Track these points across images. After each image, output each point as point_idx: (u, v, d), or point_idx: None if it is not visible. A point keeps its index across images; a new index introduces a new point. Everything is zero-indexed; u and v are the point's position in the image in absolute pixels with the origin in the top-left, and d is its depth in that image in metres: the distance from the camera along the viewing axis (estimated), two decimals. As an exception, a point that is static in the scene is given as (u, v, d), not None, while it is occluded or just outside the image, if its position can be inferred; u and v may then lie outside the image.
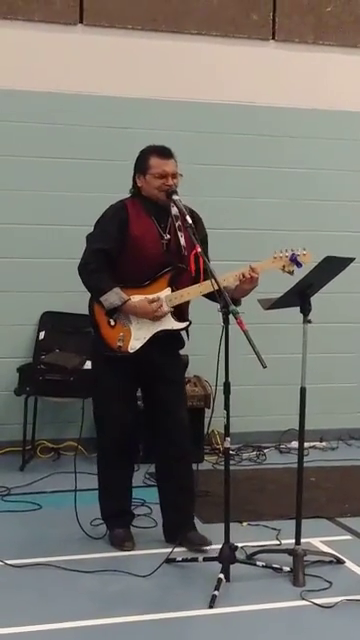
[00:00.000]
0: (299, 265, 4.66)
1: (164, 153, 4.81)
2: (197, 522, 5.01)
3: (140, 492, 5.52)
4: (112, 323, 4.73)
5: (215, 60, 7.20)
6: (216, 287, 4.38)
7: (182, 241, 4.81)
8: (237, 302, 4.66)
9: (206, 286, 4.58)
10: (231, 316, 4.30)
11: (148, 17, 7.04)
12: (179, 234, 4.82)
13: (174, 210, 4.83)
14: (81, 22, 6.95)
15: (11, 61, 6.79)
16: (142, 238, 4.75)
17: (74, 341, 6.66)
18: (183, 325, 4.81)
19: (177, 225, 4.83)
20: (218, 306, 4.34)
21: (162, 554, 4.62)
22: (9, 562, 4.62)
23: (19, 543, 4.97)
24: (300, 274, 4.50)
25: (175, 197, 4.70)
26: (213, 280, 4.39)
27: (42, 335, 6.88)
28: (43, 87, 6.83)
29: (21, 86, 6.79)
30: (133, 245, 4.73)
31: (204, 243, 4.77)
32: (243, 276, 4.64)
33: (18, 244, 6.88)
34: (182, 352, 5.06)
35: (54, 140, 6.93)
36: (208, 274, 4.46)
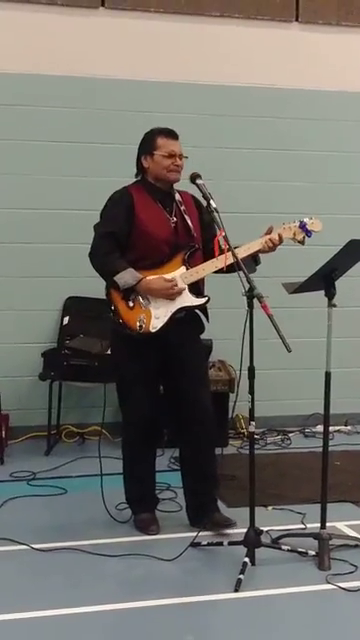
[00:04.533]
0: (309, 233, 4.69)
1: (171, 133, 4.83)
2: (222, 506, 5.01)
3: (165, 476, 5.53)
4: (131, 304, 4.72)
5: (238, 42, 7.15)
6: (232, 261, 4.41)
7: (189, 222, 4.82)
8: (257, 260, 4.73)
9: (221, 260, 4.60)
10: (255, 300, 4.29)
11: (170, 0, 6.99)
12: (185, 216, 4.83)
13: (177, 196, 4.87)
14: (103, 5, 6.92)
15: (33, 45, 6.78)
16: (150, 221, 4.75)
17: (98, 326, 6.64)
18: (202, 300, 4.80)
19: (182, 209, 4.84)
20: (242, 290, 4.34)
21: (187, 538, 4.64)
22: (35, 546, 4.65)
23: (45, 527, 4.99)
24: (321, 259, 4.47)
25: (199, 181, 4.67)
26: (233, 256, 4.40)
27: (66, 320, 6.89)
28: (65, 71, 6.82)
29: (43, 70, 6.78)
30: (142, 229, 4.73)
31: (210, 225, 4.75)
32: (267, 244, 4.69)
33: (42, 230, 6.88)
34: (206, 336, 5.06)
35: (80, 124, 6.92)
36: (231, 251, 4.46)
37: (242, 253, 4.55)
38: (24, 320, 6.91)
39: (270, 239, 4.70)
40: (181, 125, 4.93)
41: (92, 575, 4.37)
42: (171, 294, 4.70)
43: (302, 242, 4.72)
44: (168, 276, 4.72)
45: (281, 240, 4.72)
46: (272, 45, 7.22)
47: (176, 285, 4.70)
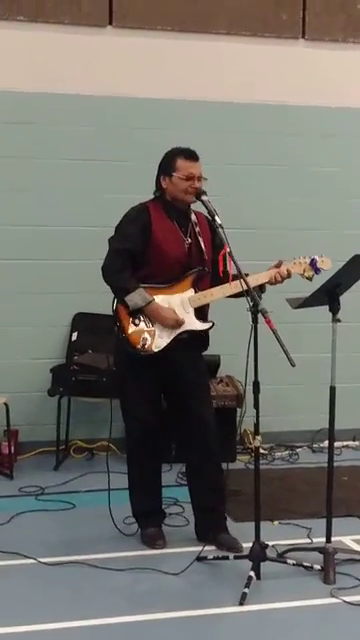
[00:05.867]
0: (318, 271, 4.72)
1: (191, 155, 4.82)
2: (229, 520, 5.03)
3: (172, 491, 5.57)
4: (136, 322, 4.76)
5: (245, 60, 7.19)
6: (245, 287, 4.41)
7: (202, 245, 4.85)
8: (263, 288, 4.72)
9: (230, 288, 4.63)
10: (260, 315, 4.32)
11: (177, 18, 7.06)
12: (199, 238, 4.86)
13: (193, 216, 4.90)
14: (110, 24, 6.99)
15: (41, 64, 6.84)
16: (166, 241, 4.78)
17: (106, 342, 6.62)
18: (207, 326, 4.84)
19: (197, 230, 4.87)
20: (247, 305, 4.37)
21: (193, 552, 4.66)
22: (43, 560, 4.68)
23: (53, 542, 5.02)
24: (329, 273, 4.50)
25: (204, 198, 4.71)
26: (243, 282, 4.42)
27: (75, 336, 6.93)
28: (72, 90, 6.87)
29: (50, 89, 6.84)
30: (157, 247, 4.76)
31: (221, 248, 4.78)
32: (275, 278, 4.72)
33: (50, 247, 6.93)
34: (213, 352, 5.08)
35: (88, 142, 6.97)
36: (237, 275, 4.48)
37: (251, 283, 4.54)
38: (33, 336, 6.95)
39: (279, 273, 4.73)
40: (186, 142, 4.95)
41: (99, 589, 4.39)
42: (175, 327, 4.74)
43: (310, 279, 4.75)
44: (177, 300, 4.75)
45: (289, 275, 4.74)
46: (278, 62, 7.26)
47: (182, 323, 4.74)
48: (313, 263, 4.73)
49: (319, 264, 4.73)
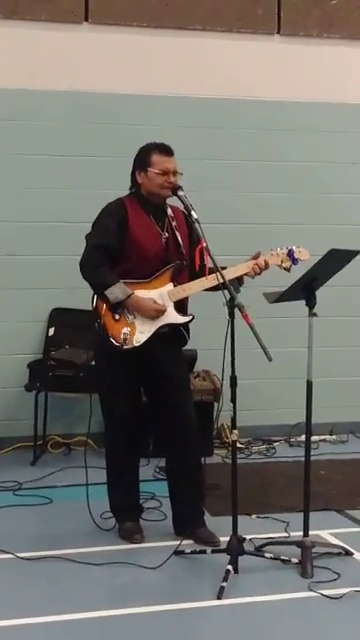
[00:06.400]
0: (295, 262, 4.74)
1: (166, 150, 4.84)
2: (206, 515, 5.04)
3: (150, 485, 5.58)
4: (117, 317, 4.76)
5: (221, 55, 7.22)
6: (221, 281, 4.42)
7: (179, 239, 4.86)
8: (241, 281, 4.74)
9: (208, 281, 4.64)
10: (237, 310, 4.34)
11: (153, 14, 7.07)
12: (176, 233, 4.87)
13: (169, 211, 4.91)
14: (86, 21, 6.98)
15: (18, 61, 6.84)
16: (143, 236, 4.79)
17: (83, 337, 6.64)
18: (187, 319, 4.85)
19: (174, 225, 4.88)
20: (224, 300, 4.38)
21: (171, 546, 4.66)
22: (21, 555, 4.67)
23: (30, 536, 5.03)
24: (305, 267, 4.53)
25: (180, 193, 4.72)
26: (219, 275, 4.43)
27: (52, 331, 6.93)
28: (50, 86, 6.87)
29: (28, 85, 6.83)
30: (134, 242, 4.77)
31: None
32: (253, 270, 4.73)
33: (28, 241, 6.93)
34: (191, 346, 5.09)
35: (62, 138, 6.98)
36: (213, 269, 4.49)
37: (229, 275, 4.56)
38: (10, 331, 6.94)
39: (257, 264, 4.74)
40: (167, 138, 4.96)
41: (77, 583, 4.39)
42: (156, 317, 4.75)
43: (288, 269, 4.76)
44: (155, 294, 4.76)
45: (267, 266, 4.76)
46: (254, 58, 7.29)
47: (164, 310, 4.74)
48: (290, 254, 4.74)
49: (296, 254, 4.74)
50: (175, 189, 4.73)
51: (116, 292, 4.70)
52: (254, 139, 7.31)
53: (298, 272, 4.56)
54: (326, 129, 7.44)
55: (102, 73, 6.97)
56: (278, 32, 7.37)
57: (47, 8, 6.88)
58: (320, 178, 7.46)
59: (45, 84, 6.87)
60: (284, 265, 4.75)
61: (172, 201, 4.91)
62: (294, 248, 4.75)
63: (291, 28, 7.38)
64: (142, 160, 4.86)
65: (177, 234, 4.89)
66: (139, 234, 4.79)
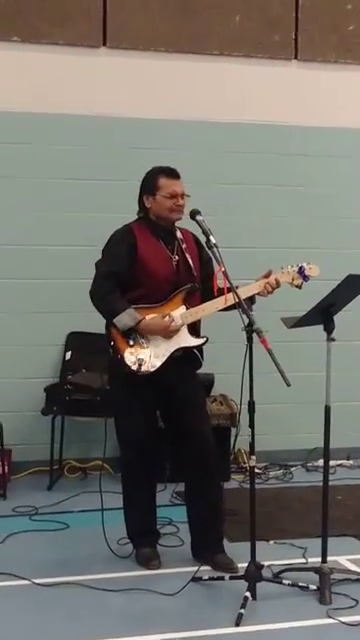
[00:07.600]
0: (306, 279, 4.73)
1: (172, 173, 4.86)
2: (224, 541, 5.00)
3: (167, 511, 5.55)
4: (131, 343, 4.75)
5: (238, 80, 7.24)
6: (237, 301, 4.43)
7: (190, 262, 4.86)
8: (253, 300, 4.74)
9: (221, 301, 4.64)
10: (255, 335, 4.32)
11: (170, 39, 7.10)
12: (186, 255, 4.87)
13: (179, 233, 4.92)
14: (104, 45, 7.02)
15: (36, 84, 6.87)
16: (153, 260, 4.80)
17: (100, 361, 6.59)
18: (201, 341, 4.84)
19: (184, 247, 4.89)
20: (242, 325, 4.37)
21: (189, 573, 4.64)
22: (37, 581, 4.66)
23: (47, 562, 5.00)
24: (322, 293, 4.51)
25: (199, 217, 4.70)
26: (235, 296, 4.43)
27: (68, 355, 6.92)
28: (66, 109, 6.90)
29: (44, 108, 6.86)
30: (144, 267, 4.77)
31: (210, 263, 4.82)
32: (265, 288, 4.73)
33: (45, 265, 6.94)
34: (207, 371, 5.07)
35: (81, 162, 6.99)
36: (232, 292, 4.49)
37: (242, 295, 4.55)
38: (27, 355, 6.94)
39: (268, 283, 4.74)
40: (181, 162, 4.99)
41: (93, 610, 4.37)
42: (169, 332, 4.74)
43: (299, 287, 4.77)
44: (165, 313, 4.75)
45: (279, 284, 4.76)
46: (271, 83, 7.31)
47: (173, 321, 4.73)
48: (301, 271, 4.74)
49: (307, 271, 4.74)
50: (193, 214, 4.72)
51: (125, 319, 4.69)
52: (271, 164, 7.30)
53: (315, 295, 4.54)
54: (343, 154, 7.44)
55: (120, 97, 7.00)
56: (295, 57, 7.39)
57: (65, 32, 6.92)
58: (335, 204, 7.45)
59: (60, 107, 6.90)
60: (295, 283, 4.76)
61: (181, 223, 4.91)
62: (304, 265, 4.75)
63: (308, 54, 7.40)
64: (149, 185, 4.87)
65: (187, 256, 4.89)
66: (149, 259, 4.79)
